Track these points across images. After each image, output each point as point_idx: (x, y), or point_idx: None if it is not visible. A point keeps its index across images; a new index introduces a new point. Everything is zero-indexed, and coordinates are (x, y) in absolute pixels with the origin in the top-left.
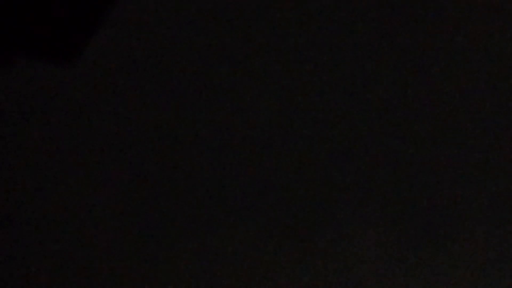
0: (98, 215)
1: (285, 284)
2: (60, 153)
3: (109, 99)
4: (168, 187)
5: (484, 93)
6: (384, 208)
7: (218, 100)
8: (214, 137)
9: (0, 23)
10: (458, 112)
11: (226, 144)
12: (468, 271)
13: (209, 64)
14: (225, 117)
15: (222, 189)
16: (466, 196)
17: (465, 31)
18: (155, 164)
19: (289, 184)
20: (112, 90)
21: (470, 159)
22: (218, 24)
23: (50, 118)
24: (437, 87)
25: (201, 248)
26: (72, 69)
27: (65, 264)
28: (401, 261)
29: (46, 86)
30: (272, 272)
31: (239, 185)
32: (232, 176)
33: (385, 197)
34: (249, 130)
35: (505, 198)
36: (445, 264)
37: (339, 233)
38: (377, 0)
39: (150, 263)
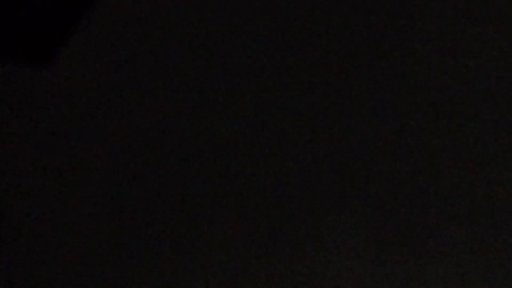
0: (83, 217)
1: (268, 283)
2: (45, 154)
3: (89, 99)
4: (155, 189)
5: (465, 101)
6: (363, 214)
7: (202, 102)
8: (199, 142)
9: None
10: (438, 119)
11: (211, 151)
12: (445, 275)
13: (194, 63)
14: (212, 121)
15: (207, 196)
16: (443, 202)
17: (463, 31)
18: (142, 166)
19: (271, 192)
20: (91, 90)
21: (446, 166)
22: (203, 22)
23: (29, 117)
24: (416, 98)
25: (185, 250)
26: (49, 69)
27: (55, 264)
28: (379, 266)
29: (24, 85)
30: (254, 276)
31: (223, 191)
32: (216, 183)
33: (364, 204)
34: (231, 138)
35: (481, 203)
36: (422, 268)
37: (319, 239)
38: (376, 0)
39: (137, 264)
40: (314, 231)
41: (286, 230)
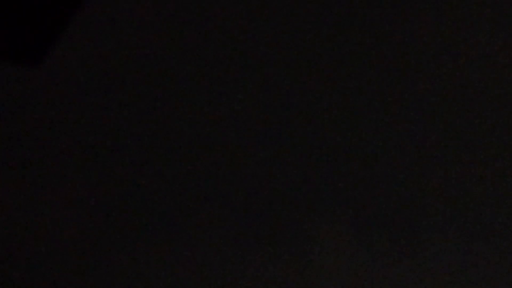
0: (78, 214)
1: (258, 283)
2: (40, 153)
3: (84, 98)
4: (151, 188)
5: (459, 99)
6: (354, 215)
7: (196, 101)
8: (193, 141)
9: None
10: (431, 117)
11: (204, 150)
12: (432, 277)
13: (190, 63)
14: (205, 120)
15: (198, 196)
16: (435, 203)
17: (464, 30)
18: (138, 165)
19: (262, 192)
20: (86, 89)
21: (435, 166)
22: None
23: (24, 117)
24: (407, 96)
25: (175, 248)
26: (43, 68)
27: (52, 264)
28: (369, 268)
29: (19, 85)
30: (243, 276)
31: (214, 191)
32: (207, 183)
33: (354, 204)
34: (224, 137)
35: (469, 205)
36: (413, 269)
37: (310, 240)
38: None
39: (131, 263)
40: (305, 232)
41: (276, 231)
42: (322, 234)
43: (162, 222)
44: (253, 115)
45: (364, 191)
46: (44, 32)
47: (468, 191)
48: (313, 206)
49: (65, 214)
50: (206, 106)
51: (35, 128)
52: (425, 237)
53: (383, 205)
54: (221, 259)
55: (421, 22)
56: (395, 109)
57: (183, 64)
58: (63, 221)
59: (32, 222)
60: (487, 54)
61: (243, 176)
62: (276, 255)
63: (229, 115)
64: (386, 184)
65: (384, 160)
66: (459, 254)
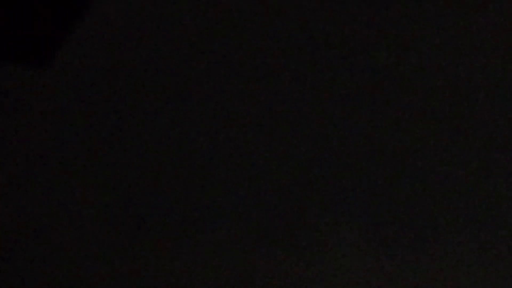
0: (84, 217)
1: (267, 284)
2: (43, 155)
3: (87, 100)
4: (156, 190)
5: (463, 101)
6: (361, 215)
7: (203, 104)
8: (199, 143)
9: None
10: (434, 118)
11: (210, 152)
12: (439, 277)
13: (192, 65)
14: (210, 123)
15: (205, 198)
16: (441, 202)
17: (463, 30)
18: (143, 167)
19: (272, 190)
20: (88, 91)
21: (442, 168)
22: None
23: (27, 118)
24: (412, 98)
25: (185, 248)
26: (39, 70)
27: (56, 264)
28: (377, 267)
29: (22, 86)
30: (252, 276)
31: (222, 193)
32: (215, 186)
33: (362, 204)
34: (230, 140)
35: (476, 207)
36: (420, 269)
37: (317, 240)
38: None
39: (137, 262)
40: (313, 232)
41: (284, 231)
42: (330, 237)
43: (171, 223)
44: (259, 117)
45: (371, 193)
46: (46, 33)
47: (475, 192)
48: (321, 209)
49: (66, 215)
50: (210, 105)
51: (36, 128)
52: (432, 238)
53: (390, 208)
54: (229, 261)
55: (421, 22)
56: (401, 111)
57: (184, 64)
58: (64, 221)
59: (33, 222)
60: (487, 54)
61: (251, 179)
62: (285, 257)
63: (235, 116)
64: (393, 186)
65: (391, 162)
66: (466, 255)
